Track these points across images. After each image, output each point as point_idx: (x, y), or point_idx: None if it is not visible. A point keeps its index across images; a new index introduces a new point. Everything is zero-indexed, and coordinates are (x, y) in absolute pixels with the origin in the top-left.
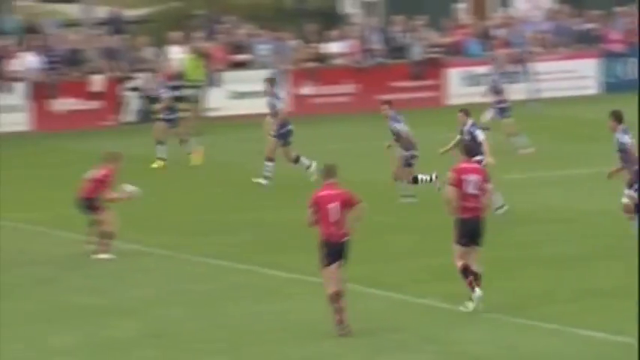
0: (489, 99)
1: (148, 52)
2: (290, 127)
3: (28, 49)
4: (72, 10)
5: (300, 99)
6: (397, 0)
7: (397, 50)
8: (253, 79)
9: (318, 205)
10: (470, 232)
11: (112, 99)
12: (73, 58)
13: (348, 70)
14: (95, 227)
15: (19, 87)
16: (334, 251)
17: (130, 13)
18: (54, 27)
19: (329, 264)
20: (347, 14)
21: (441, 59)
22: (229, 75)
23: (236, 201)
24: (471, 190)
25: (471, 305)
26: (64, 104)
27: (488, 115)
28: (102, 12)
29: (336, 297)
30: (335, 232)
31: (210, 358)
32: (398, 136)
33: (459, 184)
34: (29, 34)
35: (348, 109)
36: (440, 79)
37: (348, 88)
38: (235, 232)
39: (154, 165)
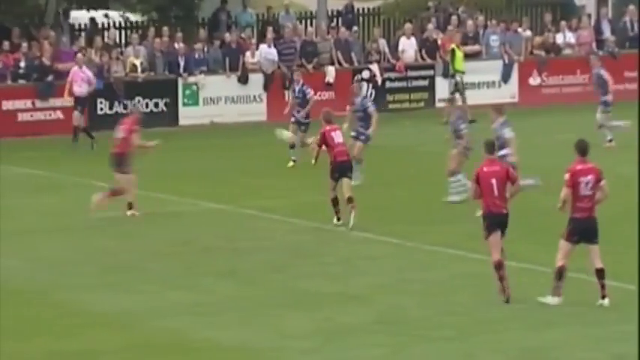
0: None
1: (381, 44)
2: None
3: (264, 41)
4: (307, 3)
5: (529, 89)
6: None
7: (629, 40)
8: (484, 70)
9: (480, 180)
10: (583, 232)
11: (345, 89)
12: (308, 50)
13: (579, 61)
14: None
15: (256, 78)
16: (495, 222)
17: (363, 5)
18: (287, 19)
19: (489, 234)
20: (579, 5)
21: None
22: None
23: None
24: (585, 191)
25: (554, 300)
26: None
27: None
28: (335, 4)
29: (498, 266)
30: (495, 204)
31: (440, 344)
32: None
33: (574, 185)
34: (265, 26)
35: (578, 100)
36: None
37: (579, 78)
38: (464, 221)
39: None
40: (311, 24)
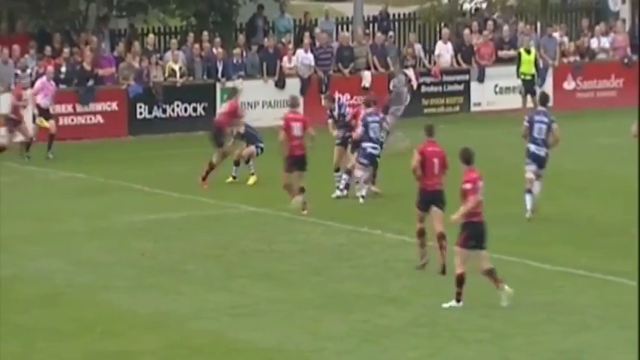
0: None
1: (416, 49)
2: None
3: (302, 46)
4: (343, 9)
5: (563, 94)
6: None
7: None
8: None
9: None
10: (479, 236)
11: (382, 93)
12: (344, 55)
13: (613, 65)
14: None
15: (293, 83)
16: (429, 199)
17: (398, 10)
18: (326, 25)
19: (420, 210)
20: (614, 10)
21: None
22: (495, 70)
23: (501, 194)
24: (480, 196)
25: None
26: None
27: None
28: (372, 10)
29: (440, 237)
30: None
31: (475, 347)
32: None
33: (475, 192)
34: (303, 31)
35: (613, 104)
36: None
37: (614, 83)
38: (502, 225)
39: None
40: (347, 29)
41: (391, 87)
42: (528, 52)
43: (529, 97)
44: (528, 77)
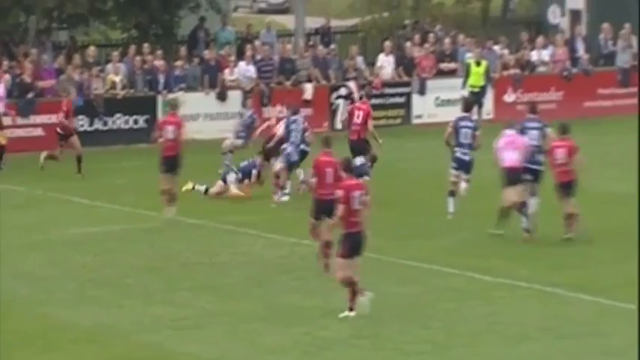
0: None
1: (358, 61)
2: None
3: (243, 58)
4: (285, 21)
5: (504, 106)
6: (602, 8)
7: (603, 58)
8: (459, 87)
9: (318, 169)
10: (358, 246)
11: (323, 106)
12: (286, 67)
13: (553, 78)
14: None
15: (235, 95)
16: (323, 209)
17: (340, 23)
18: (268, 37)
19: (316, 219)
20: (553, 23)
21: None
22: (436, 83)
23: (440, 206)
24: (357, 205)
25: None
26: (276, 112)
27: None
28: (314, 23)
29: (326, 245)
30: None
31: (418, 358)
32: None
33: (348, 200)
34: (244, 44)
35: (552, 117)
36: None
37: (554, 95)
38: (441, 236)
39: None
40: (289, 42)
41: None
42: (478, 64)
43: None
44: (477, 89)
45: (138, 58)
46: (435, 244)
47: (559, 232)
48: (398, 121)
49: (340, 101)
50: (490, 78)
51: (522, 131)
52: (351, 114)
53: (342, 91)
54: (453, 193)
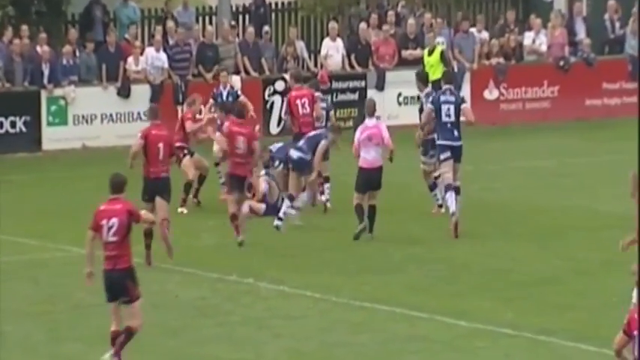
0: None
1: (298, 48)
2: None
3: (151, 44)
4: None
5: (484, 105)
6: None
7: (608, 43)
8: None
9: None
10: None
11: (255, 105)
12: (206, 55)
13: (546, 69)
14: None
15: (141, 90)
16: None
17: None
18: (184, 16)
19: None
20: (547, 0)
21: None
22: (398, 75)
23: (404, 231)
24: (109, 237)
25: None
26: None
27: None
28: None
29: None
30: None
31: None
32: None
33: (97, 228)
34: (153, 25)
35: (545, 118)
36: None
37: (547, 91)
38: (405, 270)
39: None
40: (210, 22)
41: None
42: (430, 52)
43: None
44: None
45: (16, 42)
46: (396, 279)
47: (552, 264)
48: (349, 123)
49: (276, 98)
50: (449, 64)
51: (436, 105)
52: (292, 105)
53: (279, 86)
54: (449, 188)
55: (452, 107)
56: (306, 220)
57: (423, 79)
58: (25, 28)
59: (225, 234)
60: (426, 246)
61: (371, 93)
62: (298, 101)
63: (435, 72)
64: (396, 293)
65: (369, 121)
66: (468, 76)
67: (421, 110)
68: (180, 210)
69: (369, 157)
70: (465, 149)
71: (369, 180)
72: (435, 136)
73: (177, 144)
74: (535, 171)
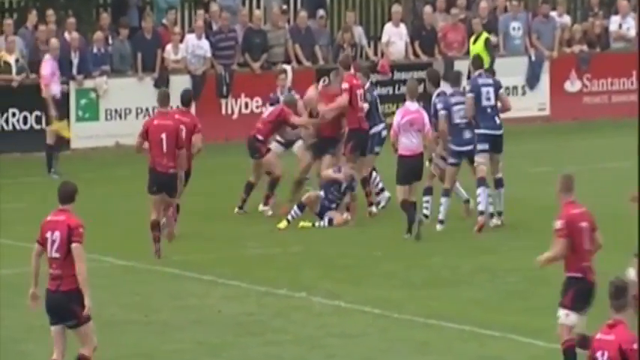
0: None
1: (356, 34)
2: None
3: (192, 30)
4: None
5: (565, 98)
6: None
7: None
8: (501, 71)
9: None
10: None
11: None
12: (254, 43)
13: (635, 57)
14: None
15: (181, 82)
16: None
17: None
18: (230, 0)
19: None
20: None
21: None
22: (468, 64)
23: (465, 236)
24: None
25: None
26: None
27: None
28: None
29: (153, 226)
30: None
31: None
32: None
33: None
34: (194, 8)
35: (634, 112)
36: None
37: (636, 82)
38: (468, 282)
39: None
40: (258, 6)
41: None
42: (476, 39)
43: None
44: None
45: (42, 28)
46: (464, 293)
47: None
48: None
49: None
50: (492, 55)
51: (475, 92)
52: (352, 95)
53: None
54: (482, 182)
55: (491, 90)
56: (361, 225)
57: (434, 78)
58: (51, 12)
59: (275, 243)
60: (498, 255)
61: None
62: (358, 92)
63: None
64: (464, 309)
65: (410, 105)
66: (547, 65)
67: (435, 116)
68: (262, 209)
69: (410, 143)
70: (544, 148)
71: (412, 169)
72: (474, 123)
73: (260, 137)
74: (622, 173)
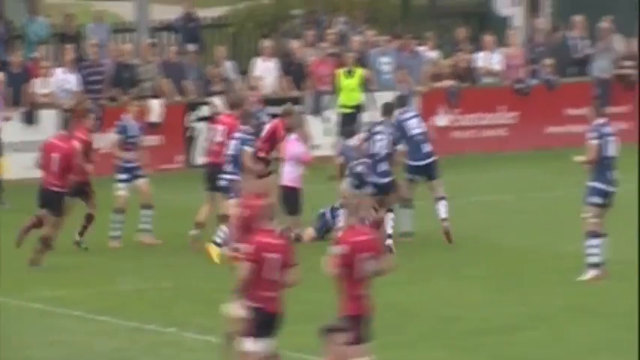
0: None
1: (227, 68)
2: None
3: (62, 64)
4: (123, 11)
5: (435, 132)
6: None
7: (574, 65)
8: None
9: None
10: None
11: (176, 132)
12: (123, 76)
13: (504, 92)
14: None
15: (49, 116)
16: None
17: (201, 14)
18: (98, 32)
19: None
20: (503, 16)
21: (635, 77)
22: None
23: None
24: None
25: None
26: (109, 140)
27: None
28: (164, 13)
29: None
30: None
31: None
32: None
33: None
34: (64, 43)
35: (503, 147)
36: (634, 105)
37: (504, 117)
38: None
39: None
40: (128, 40)
41: None
42: (350, 73)
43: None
44: (348, 110)
45: None
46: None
47: (506, 311)
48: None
49: (201, 125)
50: (368, 92)
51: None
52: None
53: (205, 111)
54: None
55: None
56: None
57: (388, 111)
58: None
59: (146, 278)
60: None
61: (308, 119)
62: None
63: (351, 97)
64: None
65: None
66: (416, 100)
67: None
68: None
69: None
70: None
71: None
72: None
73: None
74: (491, 206)
